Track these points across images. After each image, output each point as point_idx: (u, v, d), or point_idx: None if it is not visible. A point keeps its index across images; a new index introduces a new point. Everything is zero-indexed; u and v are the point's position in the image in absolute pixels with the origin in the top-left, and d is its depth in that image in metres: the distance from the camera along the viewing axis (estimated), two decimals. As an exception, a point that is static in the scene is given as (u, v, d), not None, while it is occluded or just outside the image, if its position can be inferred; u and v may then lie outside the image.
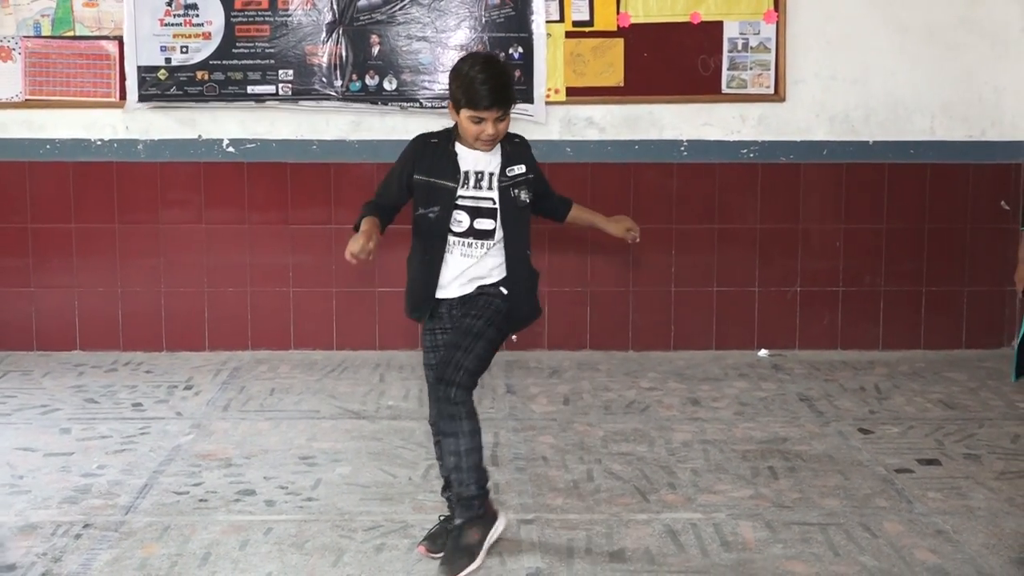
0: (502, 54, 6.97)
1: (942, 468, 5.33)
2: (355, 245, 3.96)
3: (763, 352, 7.27)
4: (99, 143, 7.12)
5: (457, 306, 4.26)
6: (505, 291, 4.24)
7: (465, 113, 4.08)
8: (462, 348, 4.14)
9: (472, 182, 4.18)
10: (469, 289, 4.25)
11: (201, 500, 4.93)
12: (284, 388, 6.56)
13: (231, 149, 7.14)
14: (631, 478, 5.18)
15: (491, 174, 4.19)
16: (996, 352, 7.21)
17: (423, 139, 4.27)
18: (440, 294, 4.26)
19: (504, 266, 4.26)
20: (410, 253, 4.34)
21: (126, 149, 7.13)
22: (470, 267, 4.22)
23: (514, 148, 4.26)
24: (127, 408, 6.19)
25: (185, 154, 7.14)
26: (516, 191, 4.21)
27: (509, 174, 4.20)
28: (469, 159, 4.19)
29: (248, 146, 7.14)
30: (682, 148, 7.18)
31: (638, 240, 4.55)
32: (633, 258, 7.20)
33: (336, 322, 7.27)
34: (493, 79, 4.03)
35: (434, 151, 4.21)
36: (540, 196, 4.34)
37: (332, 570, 4.25)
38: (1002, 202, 7.21)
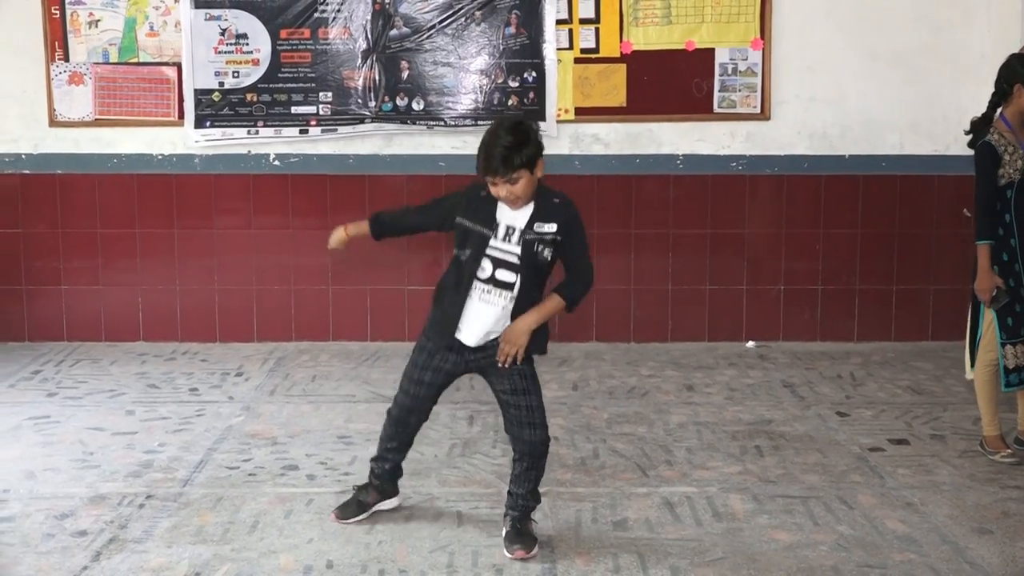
0: (518, 79, 6.97)
1: (911, 447, 5.31)
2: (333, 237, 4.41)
3: (750, 343, 7.25)
4: (160, 157, 7.13)
5: (472, 353, 4.09)
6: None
7: (485, 177, 3.96)
8: (529, 391, 4.12)
9: (502, 234, 4.01)
10: (485, 341, 4.07)
11: (250, 474, 4.93)
12: (324, 375, 6.56)
13: (277, 163, 7.14)
14: (632, 455, 5.16)
15: (519, 229, 3.99)
16: (959, 344, 7.06)
17: (475, 188, 4.10)
18: (458, 335, 4.09)
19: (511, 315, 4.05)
20: (441, 283, 4.18)
21: (184, 163, 7.13)
22: (488, 317, 4.04)
23: (550, 207, 4.01)
24: (185, 392, 6.20)
25: (236, 167, 7.14)
26: (539, 247, 3.97)
27: (536, 230, 3.97)
28: (506, 213, 4.02)
29: (292, 160, 7.14)
30: (678, 162, 7.15)
31: (503, 364, 4.04)
32: (634, 259, 7.18)
33: (370, 316, 7.27)
34: (499, 148, 3.87)
35: (480, 200, 4.05)
36: (565, 263, 4.08)
37: (366, 537, 4.26)
38: (964, 210, 7.10)
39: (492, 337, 4.09)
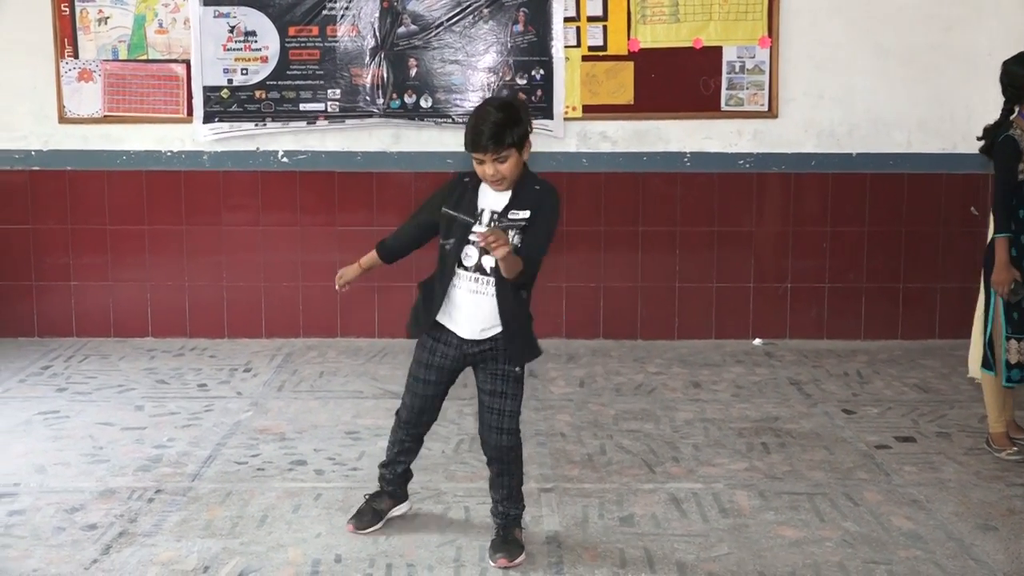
0: (525, 76, 7.00)
1: (917, 445, 5.33)
2: (337, 276, 4.33)
3: (757, 341, 7.26)
4: (169, 154, 7.16)
5: (472, 347, 4.03)
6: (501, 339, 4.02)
7: (472, 155, 3.92)
8: (508, 396, 4.04)
9: (486, 220, 3.95)
10: (482, 336, 4.00)
11: (259, 469, 4.96)
12: (332, 371, 6.58)
13: (285, 160, 7.17)
14: (639, 452, 5.19)
15: (497, 214, 3.94)
16: (966, 342, 7.07)
17: (459, 177, 4.09)
18: (449, 324, 4.04)
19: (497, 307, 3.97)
20: (427, 277, 4.13)
21: (193, 159, 7.16)
22: (483, 308, 3.97)
23: (527, 194, 3.93)
24: (193, 388, 6.23)
25: (245, 164, 7.17)
26: (511, 233, 3.86)
27: (511, 217, 3.90)
28: (488, 198, 3.98)
29: (300, 157, 7.16)
30: (685, 159, 7.17)
31: (482, 242, 3.80)
32: (641, 257, 7.20)
33: (378, 313, 7.30)
34: (488, 124, 3.82)
35: (464, 188, 4.03)
36: (522, 247, 3.90)
37: (374, 531, 4.28)
38: (971, 208, 7.17)
39: (488, 332, 4.01)
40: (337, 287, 4.34)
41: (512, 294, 3.96)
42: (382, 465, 4.41)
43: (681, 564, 4.01)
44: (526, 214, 3.91)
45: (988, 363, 5.16)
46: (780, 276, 7.27)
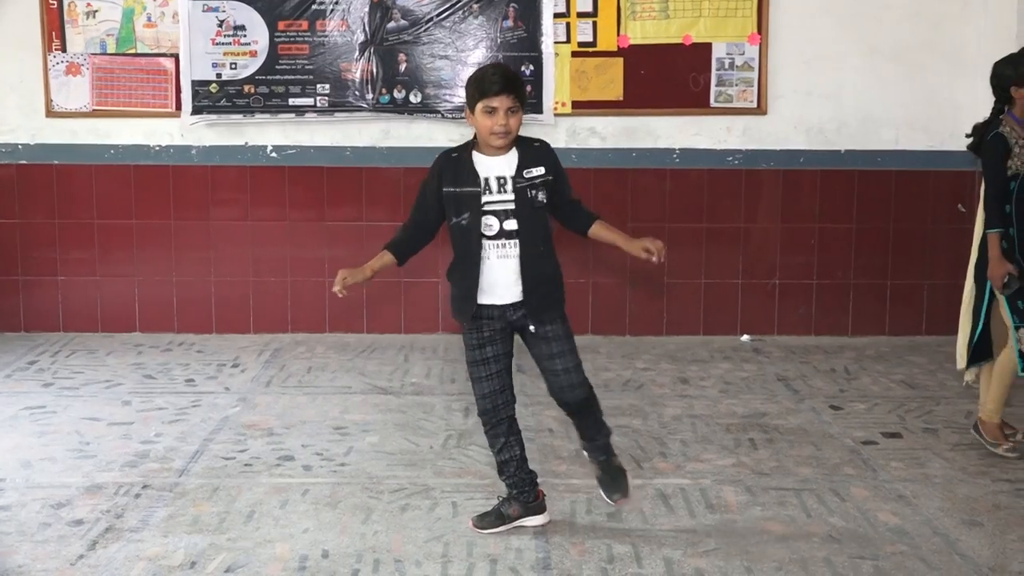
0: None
1: (903, 440, 5.34)
2: (338, 277, 4.05)
3: (745, 337, 7.27)
4: (157, 148, 7.15)
5: (512, 312, 4.07)
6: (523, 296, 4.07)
7: (479, 107, 3.94)
8: (565, 353, 4.12)
9: (495, 187, 4.01)
10: (519, 297, 4.05)
11: (246, 465, 4.96)
12: (320, 367, 6.58)
13: (274, 154, 7.16)
14: (627, 447, 5.19)
15: (510, 177, 4.01)
16: (952, 338, 7.11)
17: (445, 155, 4.13)
18: (485, 300, 4.06)
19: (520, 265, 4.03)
20: (450, 265, 4.12)
21: (181, 154, 7.15)
22: (511, 271, 4.02)
23: (533, 151, 4.06)
24: (181, 383, 6.22)
25: (233, 159, 7.15)
26: (533, 192, 3.99)
27: (526, 175, 4.00)
28: (487, 165, 4.02)
29: (289, 152, 7.15)
30: (675, 156, 7.18)
31: (659, 260, 4.04)
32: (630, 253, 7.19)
33: (366, 309, 7.29)
34: (502, 71, 3.96)
35: (456, 163, 4.06)
36: (558, 202, 4.10)
37: (362, 527, 4.28)
38: (959, 205, 7.19)
39: (522, 292, 4.05)
40: (337, 290, 4.05)
41: (536, 250, 4.05)
42: (498, 473, 4.33)
43: (668, 559, 4.02)
44: (541, 169, 4.04)
45: (982, 356, 5.19)
46: (768, 272, 7.29)
